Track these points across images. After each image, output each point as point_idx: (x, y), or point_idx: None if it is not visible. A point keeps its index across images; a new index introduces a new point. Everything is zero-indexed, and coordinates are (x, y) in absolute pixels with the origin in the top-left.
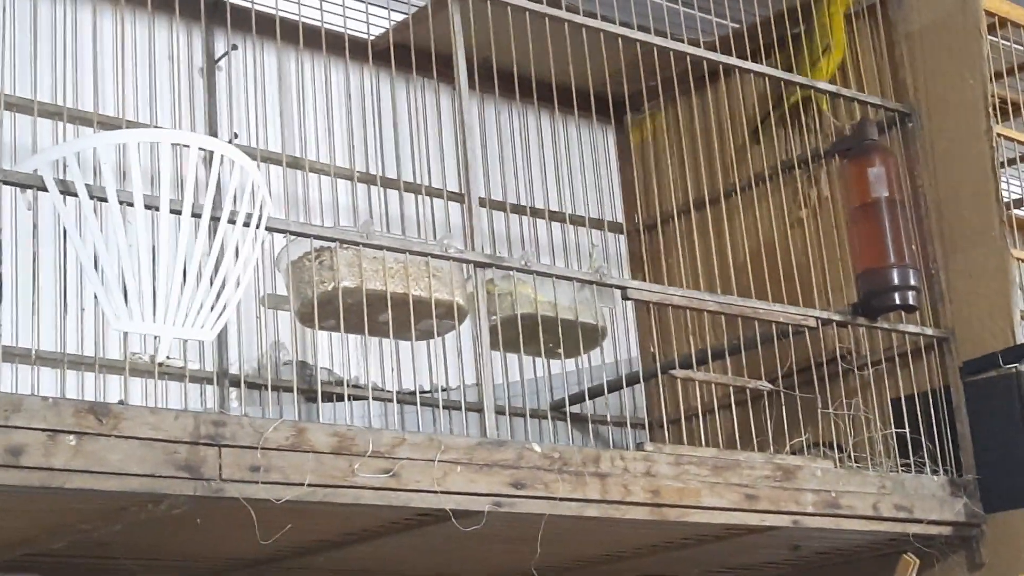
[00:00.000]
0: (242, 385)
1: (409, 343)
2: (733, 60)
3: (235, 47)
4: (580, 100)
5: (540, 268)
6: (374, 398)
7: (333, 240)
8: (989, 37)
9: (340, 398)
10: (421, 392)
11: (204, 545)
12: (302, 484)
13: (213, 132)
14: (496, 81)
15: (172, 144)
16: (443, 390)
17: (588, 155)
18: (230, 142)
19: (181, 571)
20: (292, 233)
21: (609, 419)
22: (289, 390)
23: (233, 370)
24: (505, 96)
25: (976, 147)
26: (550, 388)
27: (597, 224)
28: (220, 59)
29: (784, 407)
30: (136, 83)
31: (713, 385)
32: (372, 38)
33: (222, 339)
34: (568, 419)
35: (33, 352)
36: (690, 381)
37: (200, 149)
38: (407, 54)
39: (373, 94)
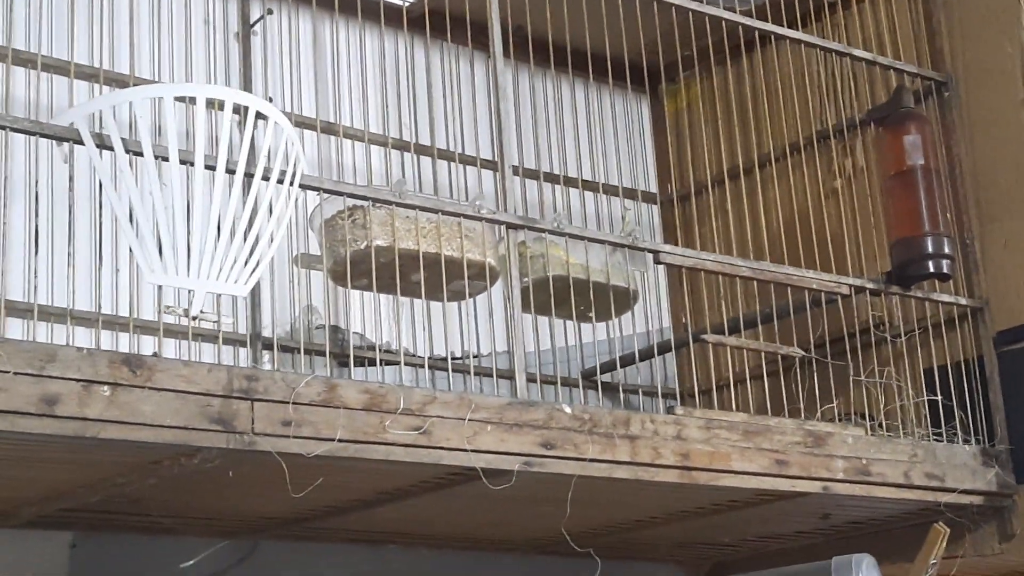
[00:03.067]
0: (275, 347)
1: (441, 308)
2: (770, 27)
3: (270, 11)
4: (615, 69)
5: (572, 231)
6: (406, 363)
7: (366, 199)
8: None
9: (372, 363)
10: (453, 358)
11: (238, 502)
12: (333, 439)
13: None
14: (531, 49)
15: (207, 100)
16: (474, 356)
17: (622, 124)
18: None
19: (215, 530)
20: (325, 191)
21: (640, 388)
22: (321, 354)
23: (266, 333)
24: (540, 64)
25: (1014, 116)
26: (581, 357)
27: (630, 194)
28: (255, 23)
29: (816, 376)
30: (172, 47)
31: (745, 354)
32: (407, 4)
33: (255, 301)
34: (599, 387)
35: (69, 309)
36: (721, 349)
37: (235, 107)
38: (442, 21)
39: (408, 60)
